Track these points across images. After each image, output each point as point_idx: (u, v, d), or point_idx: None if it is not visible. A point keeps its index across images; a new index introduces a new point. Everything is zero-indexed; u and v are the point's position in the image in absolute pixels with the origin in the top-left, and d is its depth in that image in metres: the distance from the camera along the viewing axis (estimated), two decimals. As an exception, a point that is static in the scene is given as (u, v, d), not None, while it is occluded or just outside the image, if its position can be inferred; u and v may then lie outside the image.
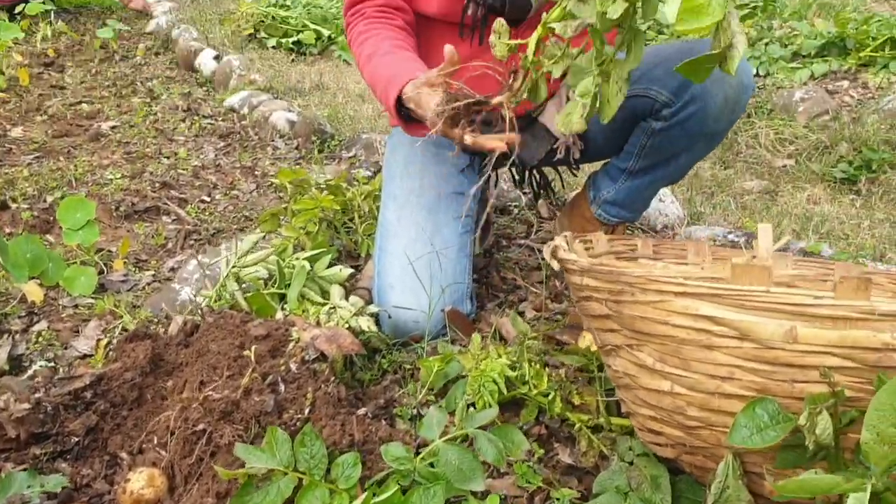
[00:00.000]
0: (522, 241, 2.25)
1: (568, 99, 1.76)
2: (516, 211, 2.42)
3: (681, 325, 0.98)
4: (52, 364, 1.56)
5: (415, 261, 1.64)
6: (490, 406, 1.28)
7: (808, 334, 0.90)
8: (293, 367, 1.32)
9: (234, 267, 1.61)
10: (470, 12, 1.61)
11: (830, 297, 0.90)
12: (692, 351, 0.99)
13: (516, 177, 2.07)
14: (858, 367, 0.90)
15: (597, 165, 1.94)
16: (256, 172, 2.75)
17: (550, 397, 1.31)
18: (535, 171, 2.05)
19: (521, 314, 1.83)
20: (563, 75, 1.72)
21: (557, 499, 1.17)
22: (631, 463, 1.20)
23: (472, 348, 1.37)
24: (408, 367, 1.52)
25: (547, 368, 1.37)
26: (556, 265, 1.14)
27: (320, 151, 2.92)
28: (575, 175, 2.08)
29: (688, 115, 1.57)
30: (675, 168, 1.73)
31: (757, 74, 3.59)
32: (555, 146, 1.77)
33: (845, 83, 3.41)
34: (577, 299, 1.17)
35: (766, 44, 3.77)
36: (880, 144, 2.85)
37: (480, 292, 1.93)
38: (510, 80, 1.33)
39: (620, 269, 1.03)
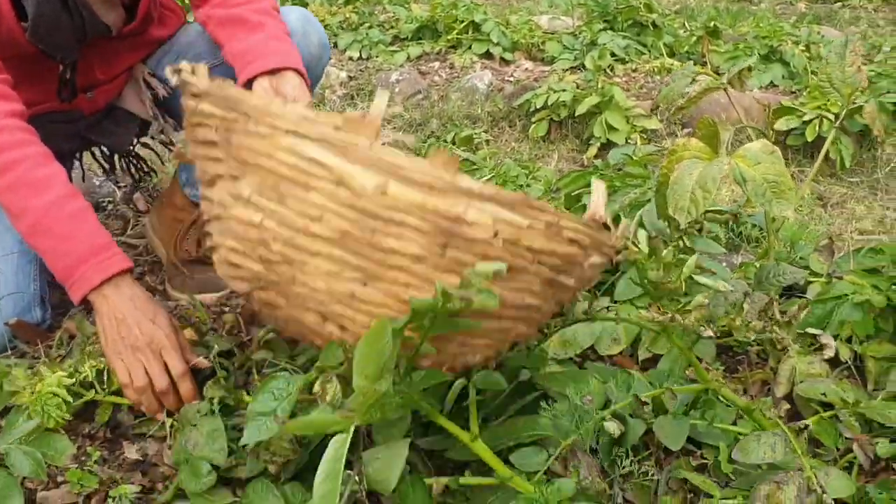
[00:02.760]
0: (119, 238, 2.18)
1: (147, 83, 1.77)
2: (110, 207, 2.33)
3: (285, 162, 0.97)
4: None
5: (-34, 272, 1.52)
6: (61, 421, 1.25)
7: (397, 192, 0.94)
8: None
9: None
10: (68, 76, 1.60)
11: (425, 164, 0.95)
12: (290, 188, 0.98)
13: (106, 166, 2.00)
14: (431, 232, 0.96)
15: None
16: None
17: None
18: (129, 157, 2.00)
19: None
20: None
21: (115, 497, 1.17)
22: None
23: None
24: (-39, 390, 1.41)
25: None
26: (175, 81, 1.08)
27: None
28: (171, 149, 2.05)
29: None
30: None
31: (360, 58, 3.81)
32: (150, 134, 1.79)
33: (436, 64, 3.75)
34: (188, 125, 1.12)
35: (368, 28, 4.00)
36: (462, 119, 3.19)
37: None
38: None
39: (239, 96, 1.01)
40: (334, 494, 0.81)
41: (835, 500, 1.06)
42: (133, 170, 2.01)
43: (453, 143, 2.90)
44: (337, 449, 0.86)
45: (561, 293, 1.12)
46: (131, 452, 1.30)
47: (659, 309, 1.18)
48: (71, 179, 1.97)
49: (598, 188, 1.18)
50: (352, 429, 0.88)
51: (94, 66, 1.69)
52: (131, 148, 1.90)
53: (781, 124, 2.74)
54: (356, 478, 1.00)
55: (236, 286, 1.12)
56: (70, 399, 1.30)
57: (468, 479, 1.11)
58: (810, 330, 1.21)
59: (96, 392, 1.34)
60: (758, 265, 1.41)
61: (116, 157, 2.00)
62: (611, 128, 2.89)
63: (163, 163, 2.09)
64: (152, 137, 1.80)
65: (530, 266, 1.02)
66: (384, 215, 0.97)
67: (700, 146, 1.26)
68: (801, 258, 1.72)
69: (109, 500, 1.17)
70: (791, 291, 1.72)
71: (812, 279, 1.61)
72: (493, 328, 1.08)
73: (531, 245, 0.99)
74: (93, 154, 1.95)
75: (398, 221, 0.97)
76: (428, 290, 1.00)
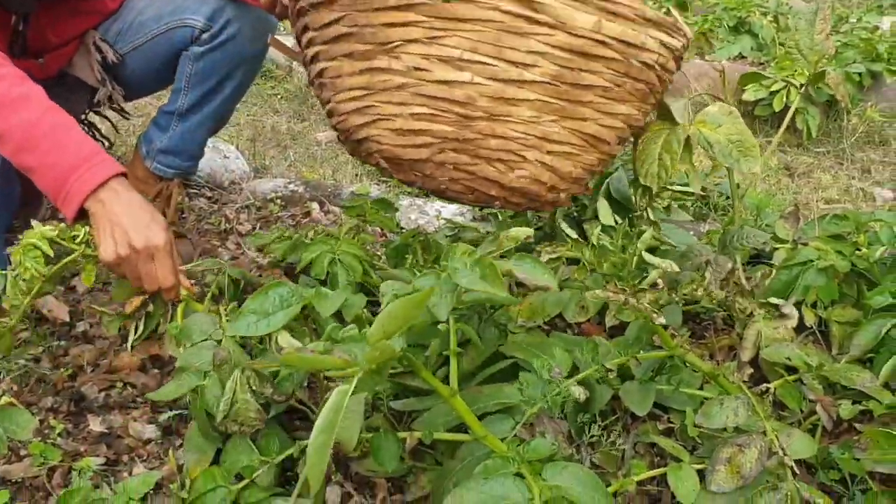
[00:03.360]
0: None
1: (97, 47, 1.74)
2: (75, 180, 2.29)
3: (509, 12, 1.03)
4: None
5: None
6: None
7: (608, 28, 1.06)
8: None
9: None
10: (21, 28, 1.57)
11: None
12: (510, 39, 1.04)
13: None
14: (622, 62, 1.11)
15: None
16: None
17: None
18: (82, 124, 1.96)
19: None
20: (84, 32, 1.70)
21: (77, 470, 1.16)
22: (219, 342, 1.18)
23: None
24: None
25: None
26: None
27: None
28: (127, 118, 2.02)
29: (227, 37, 1.64)
30: (222, 103, 1.78)
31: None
32: (96, 99, 1.76)
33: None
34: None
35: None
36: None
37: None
38: None
39: None
40: (327, 448, 0.79)
41: (797, 461, 1.08)
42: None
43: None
44: (338, 401, 0.83)
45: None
46: (96, 425, 1.28)
47: (615, 286, 1.18)
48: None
49: None
50: (355, 381, 0.85)
51: (46, 28, 1.65)
52: (83, 117, 1.87)
53: (749, 95, 2.75)
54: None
55: (411, 154, 1.14)
56: (51, 252, 1.26)
57: (443, 434, 1.11)
58: (772, 300, 1.22)
59: (86, 247, 1.30)
60: (723, 231, 1.42)
61: None
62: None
63: (117, 131, 2.06)
64: (100, 103, 1.77)
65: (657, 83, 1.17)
66: (593, 52, 1.06)
67: (658, 124, 1.27)
68: (766, 225, 1.74)
69: (73, 473, 1.16)
70: (758, 259, 1.74)
71: (777, 245, 1.62)
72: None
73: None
74: None
75: (602, 56, 1.07)
76: (605, 123, 1.15)
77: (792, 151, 2.78)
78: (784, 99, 2.75)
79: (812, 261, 1.51)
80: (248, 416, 1.07)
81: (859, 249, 1.52)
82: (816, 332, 1.51)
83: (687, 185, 1.28)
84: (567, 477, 0.96)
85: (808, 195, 2.40)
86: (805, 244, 1.56)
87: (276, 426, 1.13)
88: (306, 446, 1.04)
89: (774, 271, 1.52)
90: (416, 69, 1.09)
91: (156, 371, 1.41)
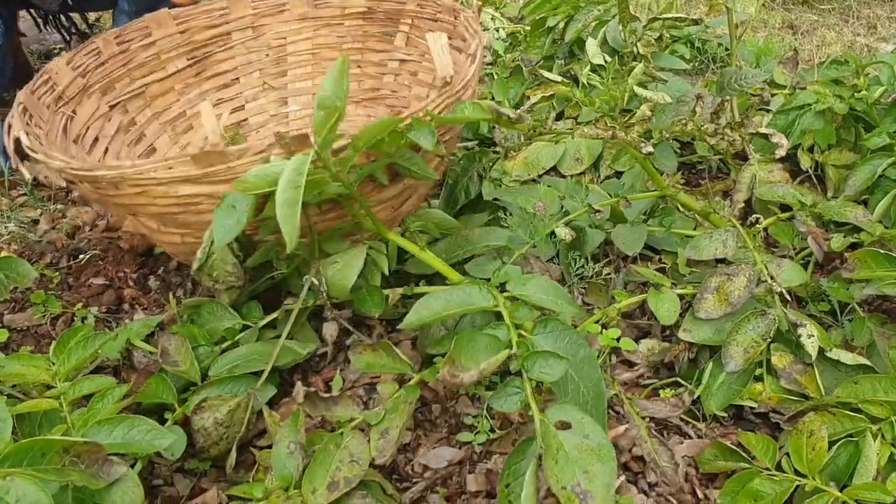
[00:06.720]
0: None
1: None
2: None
3: (170, 204, 1.02)
4: None
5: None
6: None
7: None
8: None
9: None
10: None
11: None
12: (187, 217, 1.04)
13: (38, 20, 1.97)
14: None
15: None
16: None
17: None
18: (58, 15, 1.97)
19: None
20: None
21: (80, 317, 1.19)
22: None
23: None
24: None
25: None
26: (28, 174, 1.09)
27: None
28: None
29: None
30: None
31: None
32: None
33: None
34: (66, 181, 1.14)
35: None
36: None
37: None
38: None
39: (95, 172, 1.02)
40: (296, 203, 0.81)
41: (787, 289, 1.09)
42: (62, 28, 2.00)
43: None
44: (300, 161, 0.83)
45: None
46: (97, 278, 1.30)
47: (605, 125, 1.17)
48: (16, 26, 1.95)
49: (436, 41, 1.20)
50: (311, 153, 0.86)
51: None
52: (58, 7, 1.89)
53: (754, -50, 2.64)
54: (315, 280, 1.01)
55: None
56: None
57: (421, 288, 1.13)
58: (762, 129, 1.20)
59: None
60: (720, 73, 1.39)
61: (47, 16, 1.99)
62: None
63: (89, 26, 2.05)
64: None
65: None
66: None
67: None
68: (765, 73, 1.70)
69: (76, 320, 1.19)
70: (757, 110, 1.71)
71: (775, 91, 1.59)
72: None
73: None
74: (29, 12, 1.94)
75: None
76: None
77: (797, 9, 2.69)
78: (790, -46, 2.65)
79: (810, 104, 1.49)
80: (223, 269, 1.07)
81: (858, 91, 1.49)
82: (812, 176, 1.50)
83: (679, 15, 1.23)
84: (531, 287, 1.00)
85: (811, 52, 2.34)
86: (803, 88, 1.53)
87: (256, 301, 1.14)
88: (290, 308, 1.06)
89: (771, 115, 1.51)
90: (146, 230, 1.14)
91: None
